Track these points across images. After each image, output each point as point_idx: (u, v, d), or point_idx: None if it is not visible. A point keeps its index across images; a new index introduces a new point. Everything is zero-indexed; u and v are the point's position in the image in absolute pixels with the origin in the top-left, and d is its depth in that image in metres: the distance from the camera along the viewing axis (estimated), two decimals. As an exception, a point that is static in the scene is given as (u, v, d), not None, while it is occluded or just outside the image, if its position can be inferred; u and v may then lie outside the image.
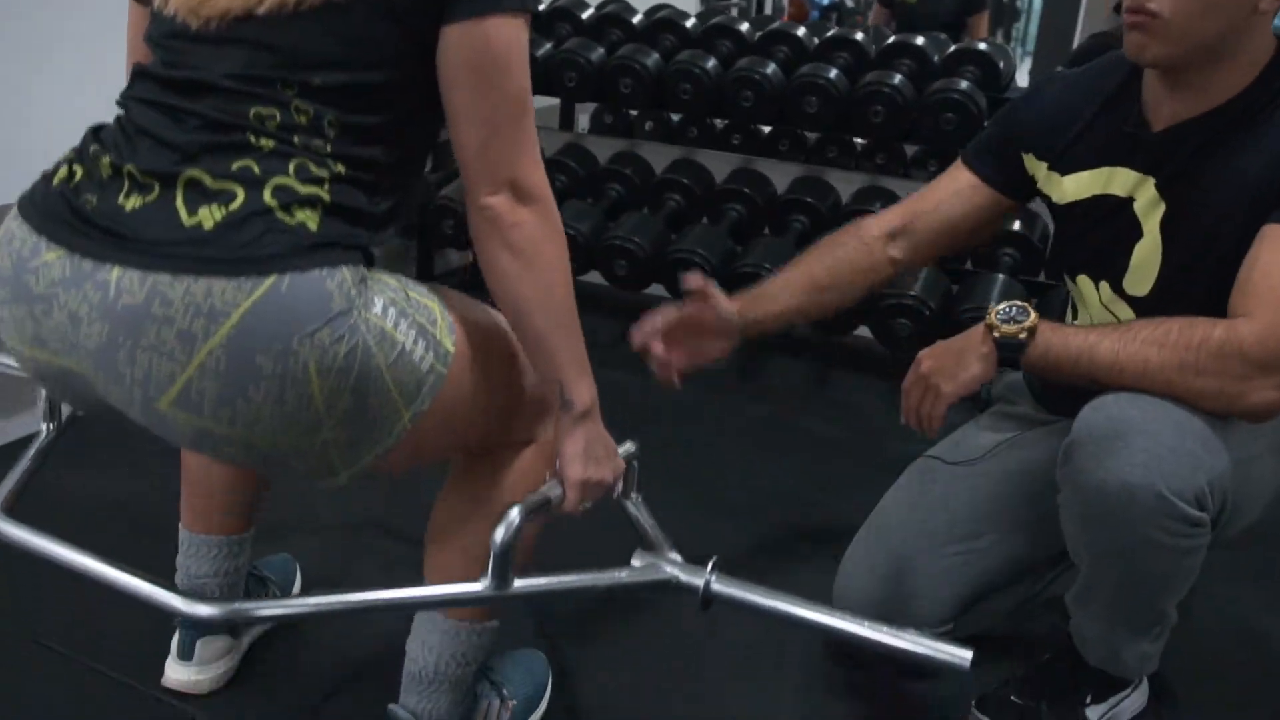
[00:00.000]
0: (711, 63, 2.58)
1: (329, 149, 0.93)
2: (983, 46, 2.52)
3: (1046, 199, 1.31)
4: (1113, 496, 1.06)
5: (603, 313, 2.09)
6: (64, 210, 0.92)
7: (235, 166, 0.90)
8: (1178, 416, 1.06)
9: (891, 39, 2.63)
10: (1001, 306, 1.14)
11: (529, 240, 0.97)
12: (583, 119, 3.32)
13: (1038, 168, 1.30)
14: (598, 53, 2.69)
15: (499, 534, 0.98)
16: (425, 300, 1.01)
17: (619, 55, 2.63)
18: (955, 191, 1.36)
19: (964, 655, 0.95)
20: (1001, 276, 2.25)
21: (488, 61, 0.94)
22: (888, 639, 0.98)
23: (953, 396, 1.18)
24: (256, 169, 0.90)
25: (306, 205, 0.91)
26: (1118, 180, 1.21)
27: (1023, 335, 1.11)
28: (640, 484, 1.13)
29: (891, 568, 1.33)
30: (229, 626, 1.29)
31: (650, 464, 1.15)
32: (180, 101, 0.92)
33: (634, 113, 3.11)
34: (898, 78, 2.43)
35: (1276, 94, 1.11)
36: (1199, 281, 1.15)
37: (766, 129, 2.96)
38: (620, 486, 1.10)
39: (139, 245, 0.87)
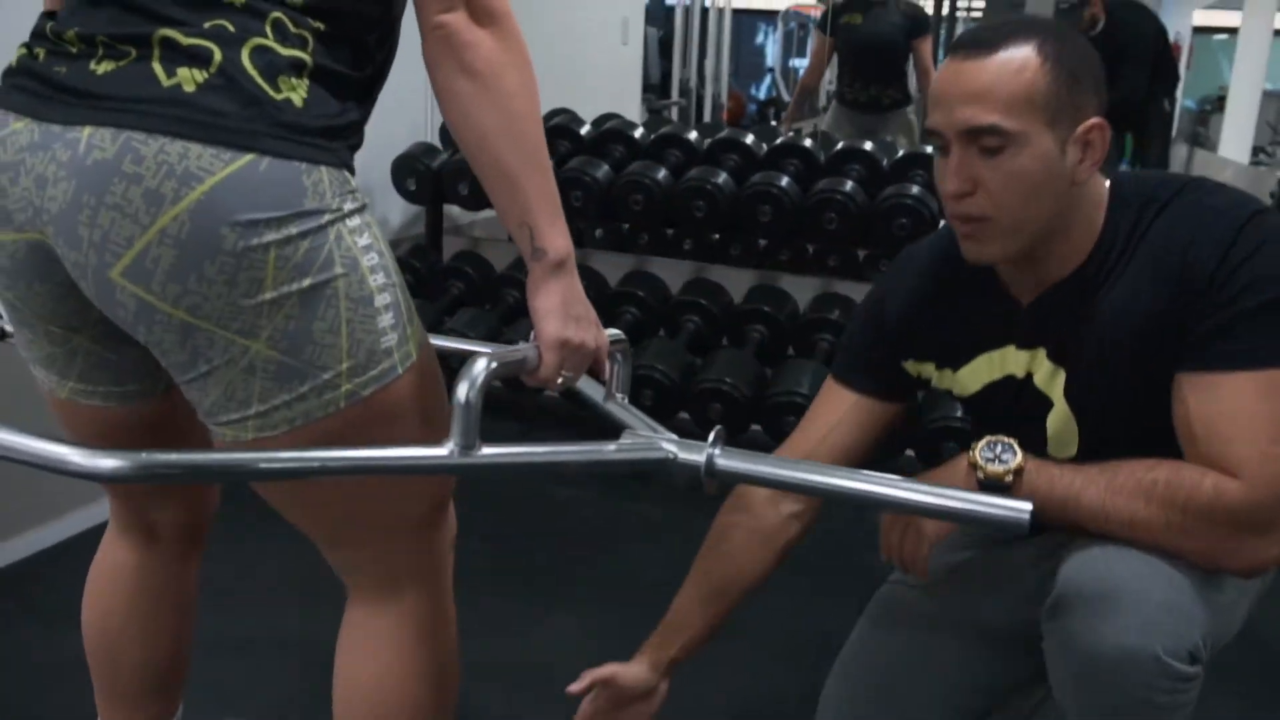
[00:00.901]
0: (662, 173, 2.56)
1: (302, 1, 0.85)
2: (931, 150, 2.52)
3: (948, 393, 1.24)
4: (1108, 661, 0.99)
5: (565, 437, 2.01)
6: (30, 82, 0.85)
7: (208, 24, 0.82)
8: (1167, 571, 1.00)
9: (840, 145, 2.63)
10: (985, 443, 1.07)
11: (488, 62, 0.87)
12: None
13: (924, 369, 1.23)
14: (547, 166, 2.65)
15: (462, 389, 0.83)
16: (407, 291, 0.92)
17: (569, 168, 2.60)
18: (839, 418, 1.24)
19: (1022, 507, 0.83)
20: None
21: None
22: (932, 498, 0.85)
23: (935, 537, 1.11)
24: (231, 26, 0.82)
25: (291, 72, 0.83)
26: (1010, 360, 1.16)
27: (1008, 478, 1.05)
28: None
29: (869, 709, 1.25)
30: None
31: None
32: None
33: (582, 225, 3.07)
34: (849, 184, 2.42)
35: (1130, 230, 1.08)
36: (1119, 436, 1.10)
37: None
38: (605, 373, 0.98)
39: (113, 103, 0.81)
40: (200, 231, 0.80)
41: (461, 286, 2.69)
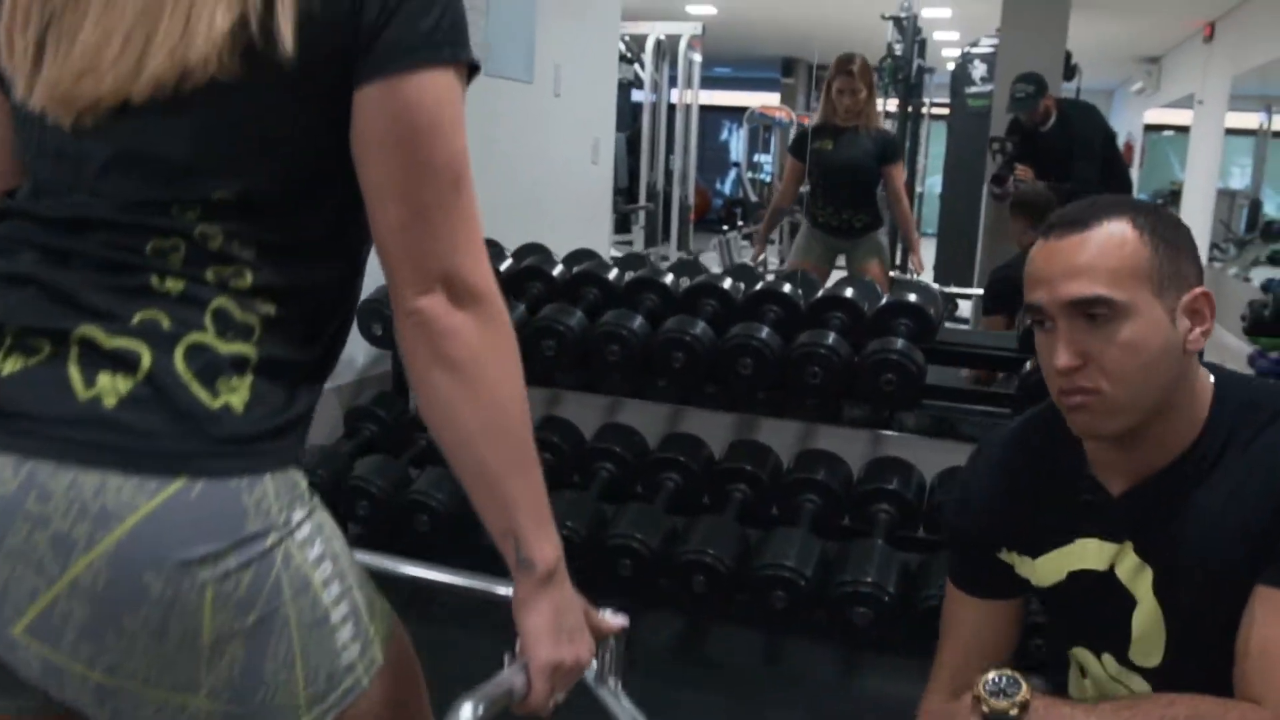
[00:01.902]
0: (638, 322, 2.47)
1: (250, 281, 0.74)
2: (913, 298, 2.46)
3: (1026, 583, 1.17)
4: None
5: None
6: None
7: (138, 319, 0.71)
8: None
9: (822, 292, 2.55)
10: (991, 676, 1.01)
11: (469, 351, 0.77)
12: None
13: (1013, 559, 1.17)
14: (518, 312, 2.56)
15: None
16: (369, 584, 0.81)
17: (542, 316, 2.50)
18: (976, 627, 1.20)
19: None
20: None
21: (411, 128, 0.75)
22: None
23: None
24: (165, 321, 0.71)
25: (232, 372, 0.72)
26: (1090, 554, 1.11)
27: (1014, 712, 0.99)
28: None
29: None
30: None
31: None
32: (64, 241, 0.73)
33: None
34: (831, 337, 2.33)
35: (1231, 429, 1.04)
36: (1213, 644, 1.03)
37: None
38: (595, 666, 0.89)
39: (18, 422, 0.69)
40: (119, 581, 0.68)
41: (428, 440, 2.56)
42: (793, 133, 10.29)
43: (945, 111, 7.65)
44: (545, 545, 0.82)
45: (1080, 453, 1.10)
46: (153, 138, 0.74)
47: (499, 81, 3.44)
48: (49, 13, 0.76)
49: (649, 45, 7.59)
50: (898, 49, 6.78)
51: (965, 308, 6.22)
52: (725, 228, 8.49)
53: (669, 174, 7.97)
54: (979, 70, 6.49)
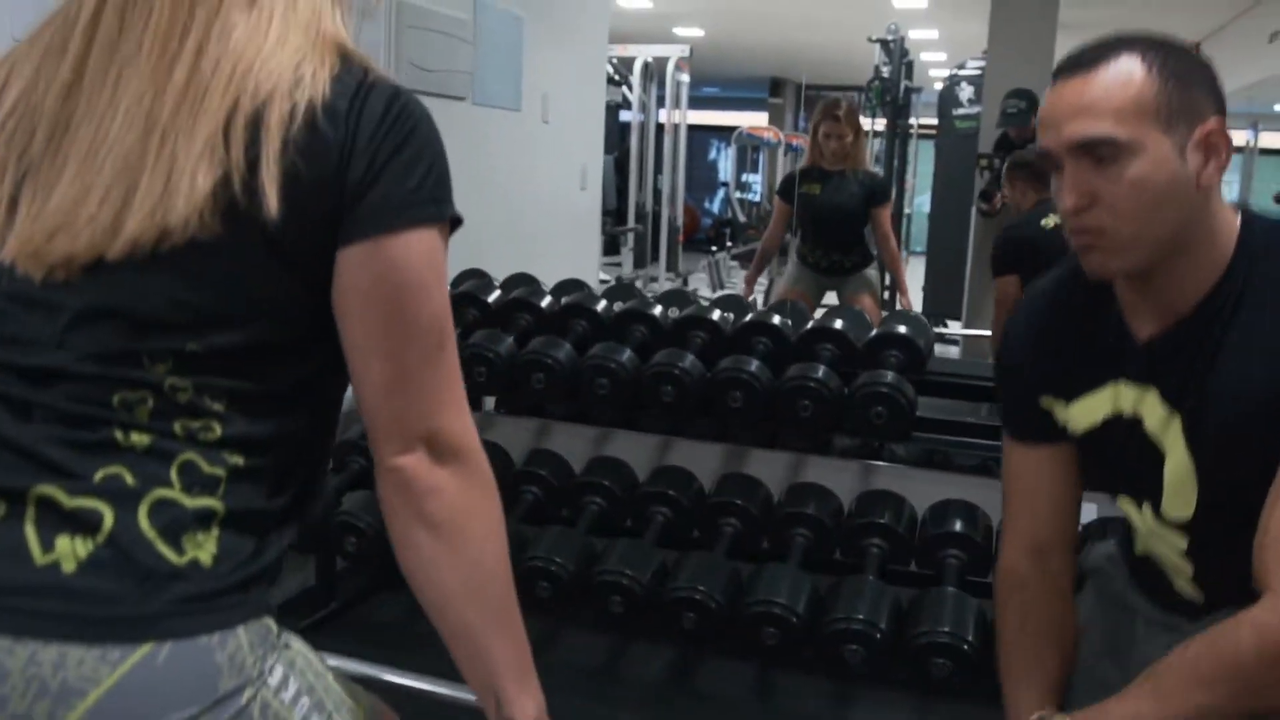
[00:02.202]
0: (626, 355, 2.45)
1: (219, 433, 0.72)
2: (903, 330, 2.45)
3: (1064, 429, 1.18)
4: None
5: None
6: None
7: (100, 476, 0.69)
8: None
9: (811, 323, 2.54)
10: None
11: (451, 510, 0.78)
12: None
13: (1050, 404, 1.18)
14: (506, 345, 2.54)
15: None
16: (349, 699, 0.78)
17: (529, 350, 2.49)
18: (1036, 479, 1.21)
19: None
20: (951, 591, 2.08)
21: (396, 287, 0.75)
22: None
23: None
24: (129, 478, 0.69)
25: (198, 527, 0.70)
26: (1121, 396, 1.11)
27: None
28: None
29: None
30: None
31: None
32: (26, 392, 0.70)
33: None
34: (821, 370, 2.32)
35: (1257, 271, 1.02)
36: (1245, 498, 1.01)
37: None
38: None
39: None
40: None
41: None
42: (780, 153, 10.34)
43: (933, 131, 7.68)
44: (527, 702, 0.82)
45: (1112, 297, 1.11)
46: (126, 293, 0.72)
47: (487, 110, 3.45)
48: (26, 164, 0.74)
49: (636, 68, 7.62)
50: (885, 71, 6.80)
51: (954, 327, 6.23)
52: (714, 249, 8.51)
53: (658, 194, 7.98)
54: (966, 92, 6.53)
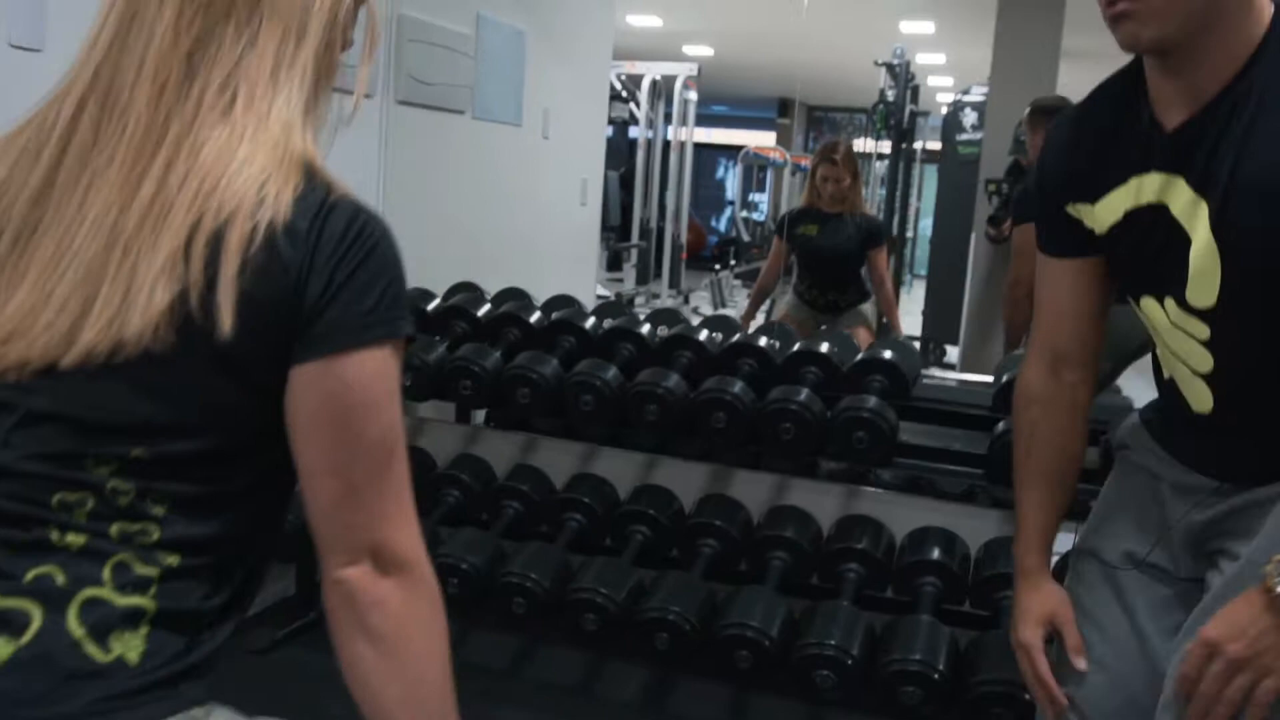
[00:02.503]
0: (612, 372, 2.46)
1: (157, 536, 0.73)
2: (888, 355, 2.45)
3: (1092, 237, 1.22)
4: None
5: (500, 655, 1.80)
6: None
7: (31, 575, 0.69)
8: None
9: (797, 346, 2.55)
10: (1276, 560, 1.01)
11: (394, 623, 0.77)
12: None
13: (1079, 210, 1.22)
14: (493, 359, 2.55)
15: None
16: None
17: (515, 365, 2.50)
18: (1066, 289, 1.27)
19: None
20: (925, 619, 2.08)
21: (346, 407, 0.76)
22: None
23: None
24: (60, 577, 0.69)
25: (126, 626, 0.70)
26: (1146, 187, 1.13)
27: None
28: None
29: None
30: None
31: None
32: None
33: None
34: (804, 393, 2.32)
35: None
36: (1269, 286, 1.04)
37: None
38: None
39: None
40: None
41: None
42: (787, 172, 10.36)
43: (939, 155, 7.69)
44: None
45: (1144, 92, 1.13)
46: (76, 398, 0.73)
47: (487, 125, 3.46)
48: None
49: (644, 85, 7.65)
50: (890, 94, 6.82)
51: (953, 353, 6.24)
52: (717, 267, 8.53)
53: (663, 211, 8.01)
54: (970, 118, 6.54)
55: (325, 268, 0.77)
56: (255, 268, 0.75)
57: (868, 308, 4.22)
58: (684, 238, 8.32)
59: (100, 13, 0.82)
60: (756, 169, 10.98)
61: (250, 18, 0.80)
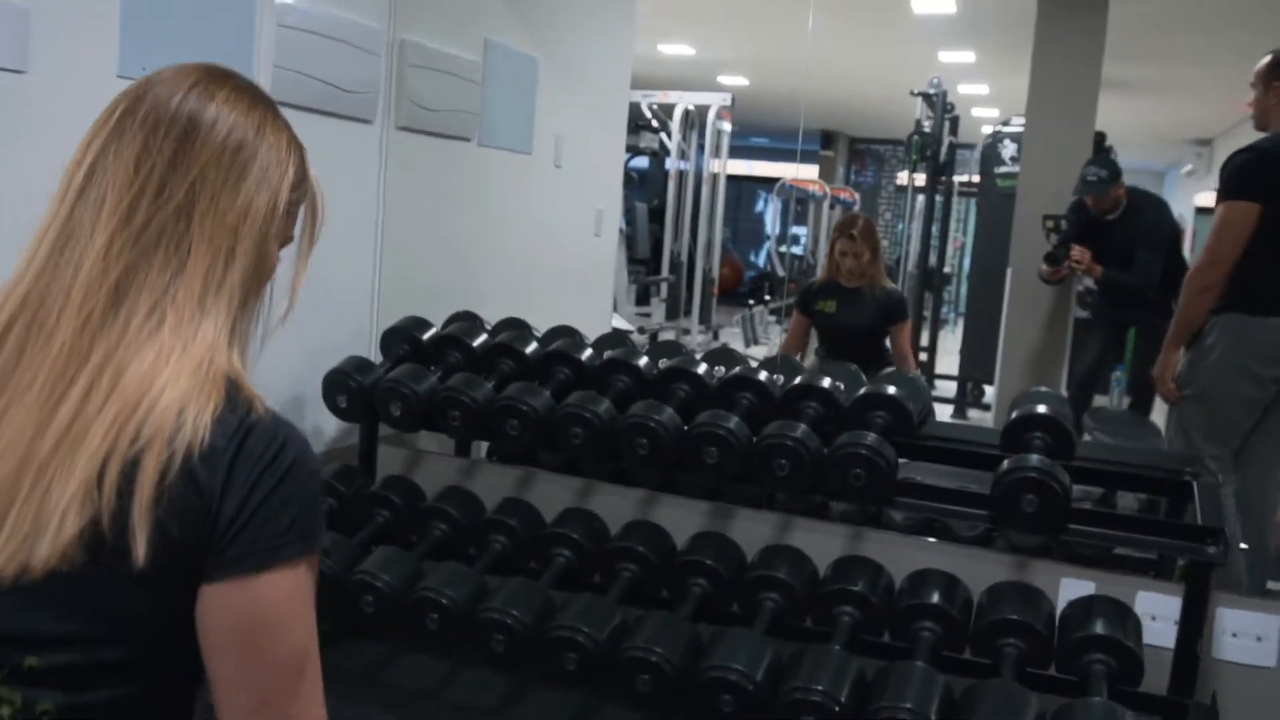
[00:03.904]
0: (604, 405, 2.46)
1: None
2: (892, 391, 2.43)
3: None
4: None
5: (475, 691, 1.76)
6: None
7: None
8: None
9: (798, 380, 2.53)
10: None
11: None
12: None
13: None
14: (483, 390, 2.56)
15: None
16: None
17: (505, 396, 2.50)
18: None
19: None
20: (919, 665, 2.04)
21: (258, 624, 0.79)
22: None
23: None
24: None
25: None
26: None
27: None
28: None
29: None
30: None
31: None
32: None
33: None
34: (800, 429, 2.30)
35: None
36: None
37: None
38: None
39: None
40: None
41: (387, 515, 2.56)
42: (825, 205, 10.35)
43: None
44: None
45: None
46: None
47: (494, 152, 3.50)
48: None
49: (676, 114, 7.70)
50: (926, 125, 6.80)
51: (989, 393, 6.16)
52: (751, 302, 8.52)
53: (694, 244, 8.03)
54: (1009, 150, 6.51)
55: (240, 489, 0.80)
56: (171, 497, 0.77)
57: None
58: (716, 271, 8.32)
59: (40, 227, 0.85)
60: (794, 202, 10.98)
61: (179, 244, 0.83)
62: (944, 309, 9.02)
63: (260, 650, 0.79)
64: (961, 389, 6.56)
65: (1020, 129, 6.27)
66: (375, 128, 2.92)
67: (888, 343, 4.14)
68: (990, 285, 6.34)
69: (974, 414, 6.60)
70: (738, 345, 7.85)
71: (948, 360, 7.49)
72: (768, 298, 9.25)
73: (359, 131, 2.87)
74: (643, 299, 7.70)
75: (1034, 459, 2.17)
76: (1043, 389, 2.66)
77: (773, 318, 9.05)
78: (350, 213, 2.86)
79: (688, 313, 7.92)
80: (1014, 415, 2.40)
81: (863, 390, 2.47)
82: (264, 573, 0.80)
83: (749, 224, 14.04)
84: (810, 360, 4.33)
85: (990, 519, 2.25)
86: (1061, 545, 2.41)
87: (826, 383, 2.48)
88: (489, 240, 3.51)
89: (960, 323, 9.68)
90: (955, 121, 7.17)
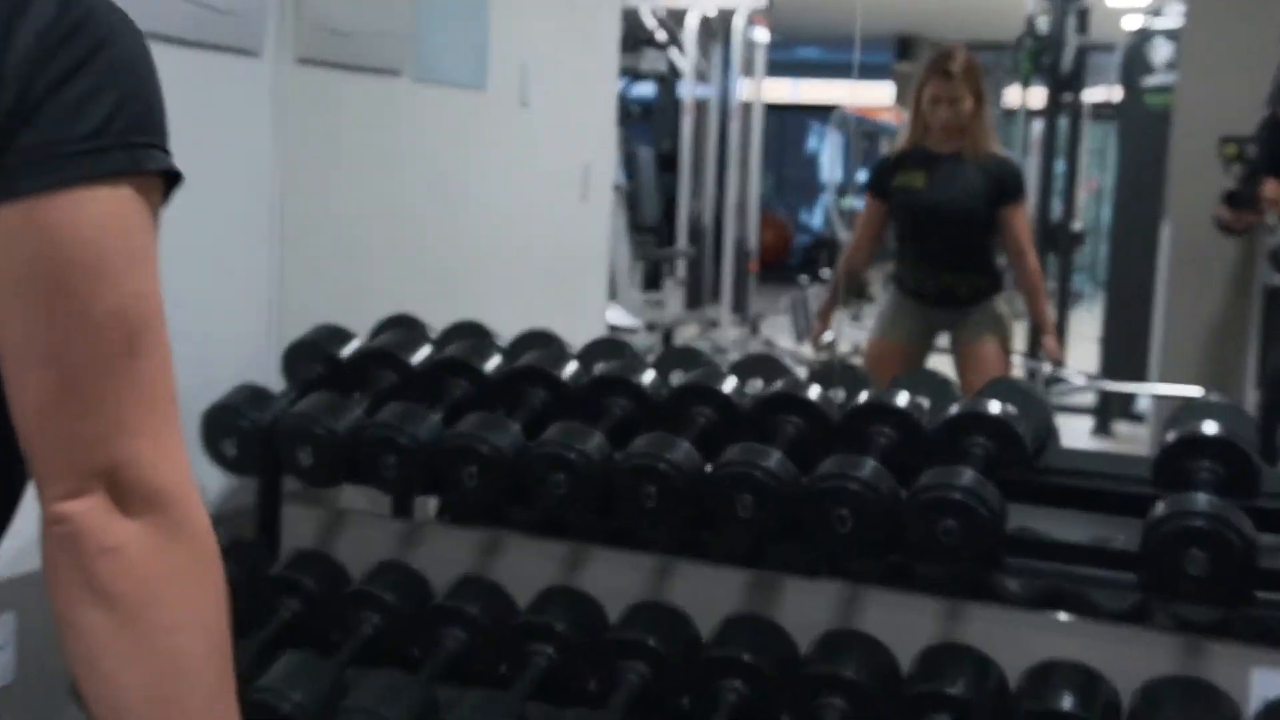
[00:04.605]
0: (594, 441, 2.48)
1: None
2: (996, 410, 2.44)
3: None
4: None
5: None
6: None
7: None
8: None
9: (864, 398, 2.54)
10: None
11: (135, 580, 0.78)
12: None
13: None
14: (428, 425, 2.58)
15: None
16: None
17: (459, 433, 2.52)
18: None
19: None
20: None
21: (57, 266, 0.77)
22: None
23: None
24: None
25: None
26: None
27: None
28: None
29: None
30: None
31: None
32: None
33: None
34: (868, 465, 2.32)
35: None
36: None
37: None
38: None
39: None
40: None
41: (296, 605, 2.58)
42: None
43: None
44: None
45: None
46: None
47: (435, 90, 3.52)
48: None
49: (691, 23, 7.73)
50: (1043, 22, 6.81)
51: (1143, 400, 6.16)
52: (804, 278, 8.53)
53: (722, 203, 8.05)
54: (1162, 52, 6.50)
55: (18, 73, 0.78)
56: None
57: (1001, 306, 4.17)
58: (754, 239, 8.35)
59: None
60: (862, 138, 11.02)
61: None
62: (1076, 279, 9.04)
63: (61, 304, 0.77)
64: (1104, 393, 6.56)
65: (1179, 22, 6.26)
66: (264, 62, 2.94)
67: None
68: (1141, 244, 6.36)
69: (1122, 427, 6.61)
70: (787, 342, 7.88)
71: (1083, 350, 7.49)
72: (826, 271, 9.25)
73: (240, 68, 2.89)
74: (652, 281, 7.72)
75: (1201, 499, 2.18)
76: (1212, 399, 2.67)
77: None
78: (232, 184, 2.88)
79: (715, 298, 7.94)
80: (1172, 437, 2.41)
81: (955, 409, 2.49)
82: (61, 193, 0.76)
83: (798, 170, 14.06)
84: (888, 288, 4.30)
85: (1141, 585, 2.26)
86: (1249, 621, 2.42)
87: (904, 400, 2.50)
88: (432, 214, 3.53)
89: (1100, 298, 9.70)
90: (1084, 15, 7.17)
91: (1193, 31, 5.58)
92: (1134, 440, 6.25)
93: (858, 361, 4.95)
